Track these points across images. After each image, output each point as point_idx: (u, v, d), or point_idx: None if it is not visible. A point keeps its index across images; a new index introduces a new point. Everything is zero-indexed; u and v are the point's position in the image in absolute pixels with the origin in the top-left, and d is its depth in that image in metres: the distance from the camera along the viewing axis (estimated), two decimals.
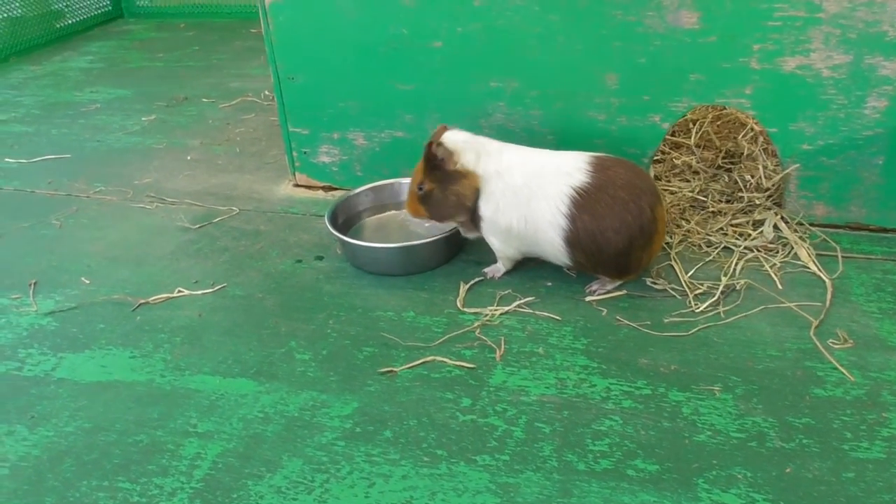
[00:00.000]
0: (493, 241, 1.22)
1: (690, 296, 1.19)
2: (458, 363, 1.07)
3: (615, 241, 1.12)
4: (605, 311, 1.17)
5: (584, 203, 1.12)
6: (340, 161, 1.58)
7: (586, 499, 0.88)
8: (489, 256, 1.29)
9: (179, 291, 1.27)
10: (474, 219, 1.21)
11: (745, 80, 1.30)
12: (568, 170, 1.15)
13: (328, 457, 0.96)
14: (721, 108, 1.53)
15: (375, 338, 1.13)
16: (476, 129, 1.44)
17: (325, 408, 1.04)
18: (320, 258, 1.36)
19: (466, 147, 1.18)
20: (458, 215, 1.22)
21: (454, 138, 1.19)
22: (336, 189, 1.61)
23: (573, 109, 1.40)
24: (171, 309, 1.23)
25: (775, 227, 1.34)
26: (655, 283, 1.23)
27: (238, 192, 1.63)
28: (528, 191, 1.15)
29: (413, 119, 1.49)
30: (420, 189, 1.21)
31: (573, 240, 1.14)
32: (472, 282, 1.26)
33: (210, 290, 1.27)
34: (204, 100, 2.22)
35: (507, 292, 1.23)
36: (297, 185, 1.62)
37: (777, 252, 1.30)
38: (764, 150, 1.44)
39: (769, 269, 1.26)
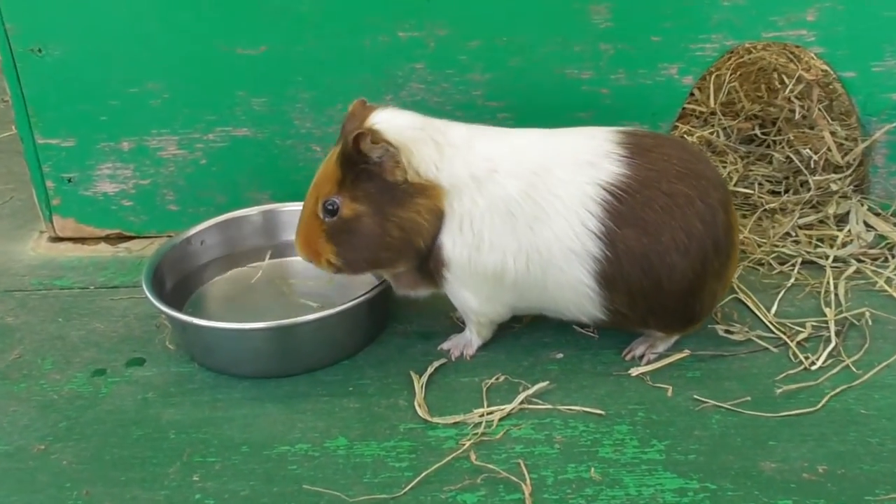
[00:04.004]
0: (467, 298, 1.06)
1: (792, 345, 1.10)
2: None
3: (681, 268, 1.01)
4: (671, 388, 1.05)
5: (626, 210, 1.00)
6: (137, 188, 1.40)
7: None
8: (440, 321, 1.16)
9: None
10: (430, 265, 1.05)
11: None
12: (590, 157, 1.02)
13: None
14: (747, 50, 1.44)
15: (291, 496, 0.92)
16: None
17: None
18: (139, 361, 1.15)
19: (420, 137, 1.01)
20: (398, 261, 1.06)
21: (396, 122, 1.02)
22: (131, 238, 1.43)
23: (539, 66, 1.26)
24: None
25: (865, 222, 1.26)
26: (730, 332, 1.12)
27: None
28: (532, 204, 1.01)
29: (265, 105, 1.33)
30: (329, 211, 1.01)
31: (611, 275, 1.01)
32: (431, 368, 1.10)
33: None
34: None
35: (497, 379, 1.08)
36: (56, 239, 1.45)
37: (885, 259, 1.22)
38: (826, 108, 1.35)
39: (886, 287, 1.17)
